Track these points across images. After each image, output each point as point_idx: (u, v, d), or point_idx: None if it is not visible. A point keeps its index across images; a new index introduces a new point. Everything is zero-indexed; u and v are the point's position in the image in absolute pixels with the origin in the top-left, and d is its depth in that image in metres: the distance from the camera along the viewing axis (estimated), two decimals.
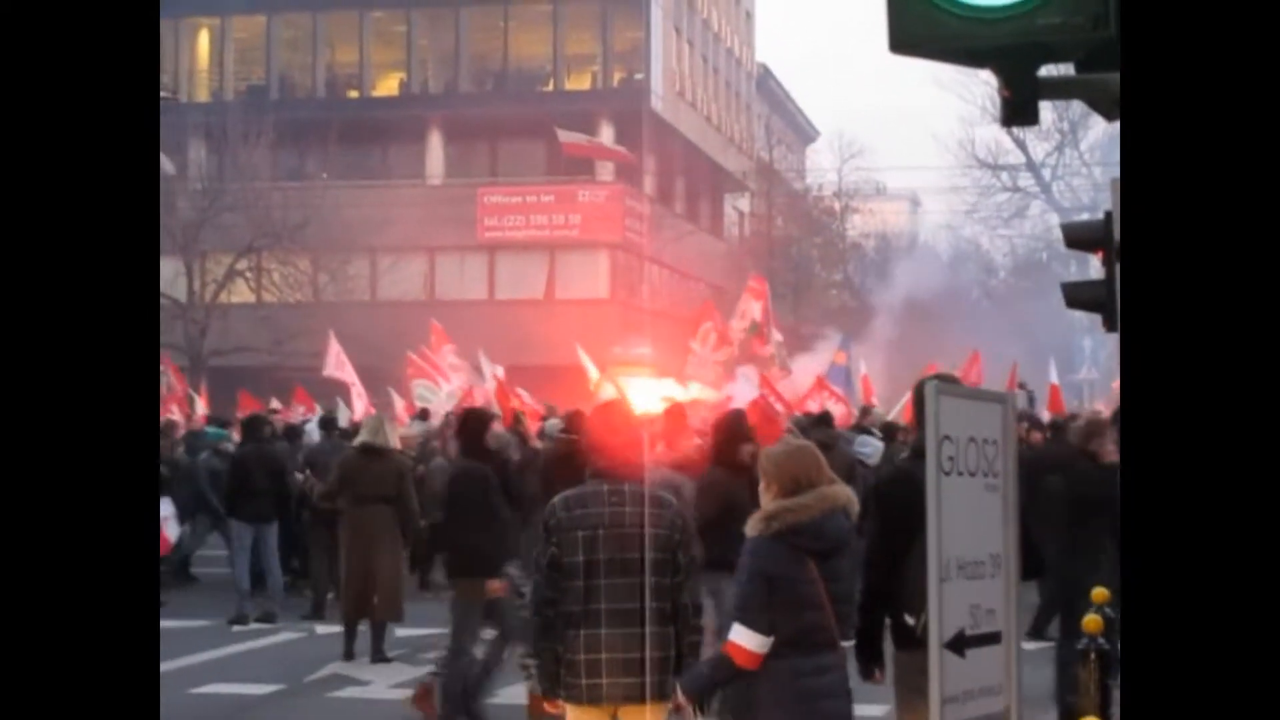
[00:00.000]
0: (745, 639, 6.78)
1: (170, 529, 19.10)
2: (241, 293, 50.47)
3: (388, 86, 56.99)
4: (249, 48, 57.07)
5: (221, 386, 38.80)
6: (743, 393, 23.86)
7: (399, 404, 27.08)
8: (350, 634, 15.39)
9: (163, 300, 49.22)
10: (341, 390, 28.87)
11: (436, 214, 50.72)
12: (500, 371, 27.18)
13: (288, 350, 43.20)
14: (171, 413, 25.72)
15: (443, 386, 27.30)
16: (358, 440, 16.26)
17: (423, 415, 24.58)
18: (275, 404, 28.81)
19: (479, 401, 22.91)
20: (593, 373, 26.62)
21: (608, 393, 22.85)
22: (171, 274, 49.26)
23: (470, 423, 12.61)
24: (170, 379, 29.59)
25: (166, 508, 18.64)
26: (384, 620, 15.36)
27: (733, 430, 12.05)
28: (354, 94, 56.57)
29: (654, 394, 24.46)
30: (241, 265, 49.25)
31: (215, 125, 49.50)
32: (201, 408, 30.90)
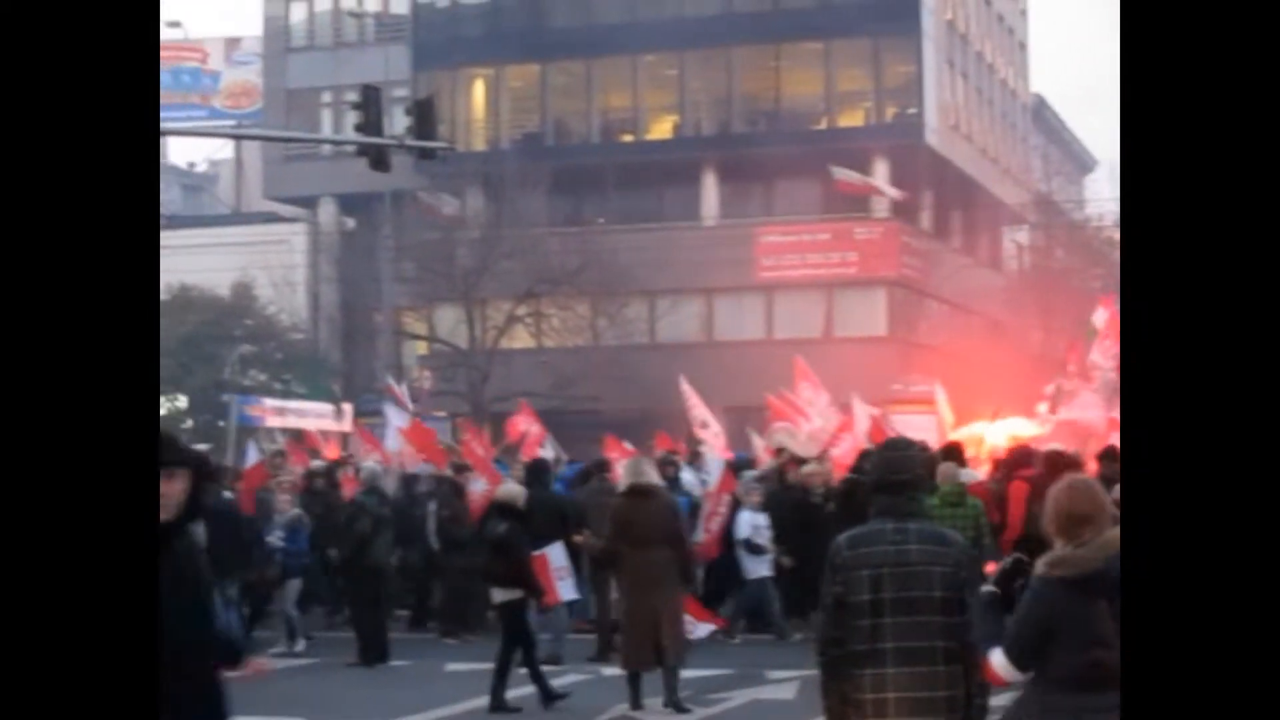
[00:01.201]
0: (1004, 671, 6.72)
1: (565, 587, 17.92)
2: (521, 338, 51.13)
3: (661, 129, 57.31)
4: (524, 96, 57.88)
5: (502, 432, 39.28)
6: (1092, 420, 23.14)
7: (759, 446, 25.51)
8: (635, 679, 15.20)
9: (444, 348, 50.26)
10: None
11: (713, 255, 50.79)
12: (875, 411, 26.29)
13: (568, 395, 43.63)
14: (543, 452, 25.29)
15: (804, 427, 26.17)
16: (622, 484, 16.14)
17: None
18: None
19: (850, 444, 22.26)
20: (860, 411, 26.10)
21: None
22: (453, 321, 50.24)
23: None
24: (531, 424, 29.33)
25: (559, 558, 17.64)
26: (675, 664, 15.11)
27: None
28: (628, 138, 56.99)
29: (1000, 433, 24.16)
30: (521, 311, 49.91)
31: (492, 173, 50.25)
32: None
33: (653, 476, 15.74)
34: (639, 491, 15.15)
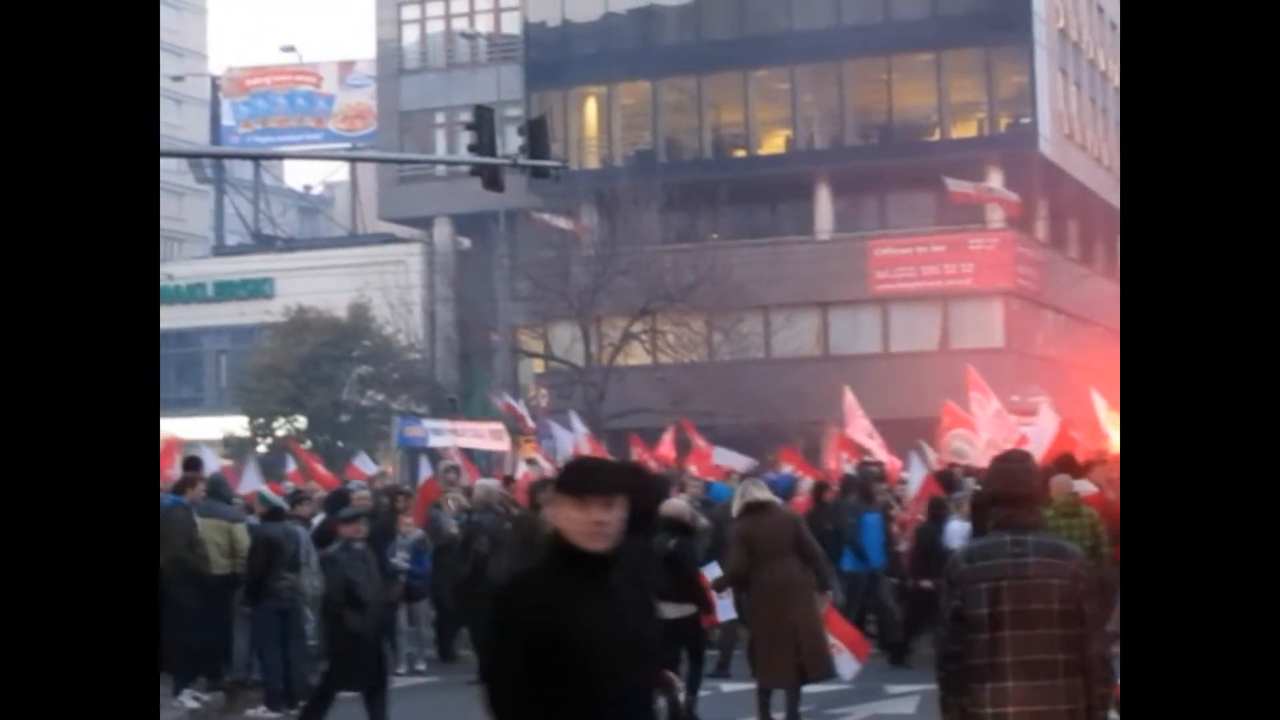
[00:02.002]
0: None
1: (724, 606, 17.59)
2: (637, 355, 51.21)
3: (774, 144, 57.24)
4: (636, 113, 58.02)
5: (620, 449, 39.34)
6: None
7: (931, 457, 24.70)
8: (766, 694, 15.11)
9: (561, 365, 50.43)
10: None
11: (827, 269, 50.67)
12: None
13: (685, 410, 43.64)
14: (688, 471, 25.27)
15: (981, 436, 25.47)
16: (737, 505, 16.11)
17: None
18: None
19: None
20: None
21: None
22: (569, 339, 50.43)
23: None
24: (690, 439, 29.20)
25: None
26: (815, 679, 15.03)
27: None
28: (741, 153, 56.98)
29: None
30: (637, 328, 49.99)
31: (606, 191, 50.40)
32: None
33: (766, 492, 15.75)
34: (756, 508, 15.17)
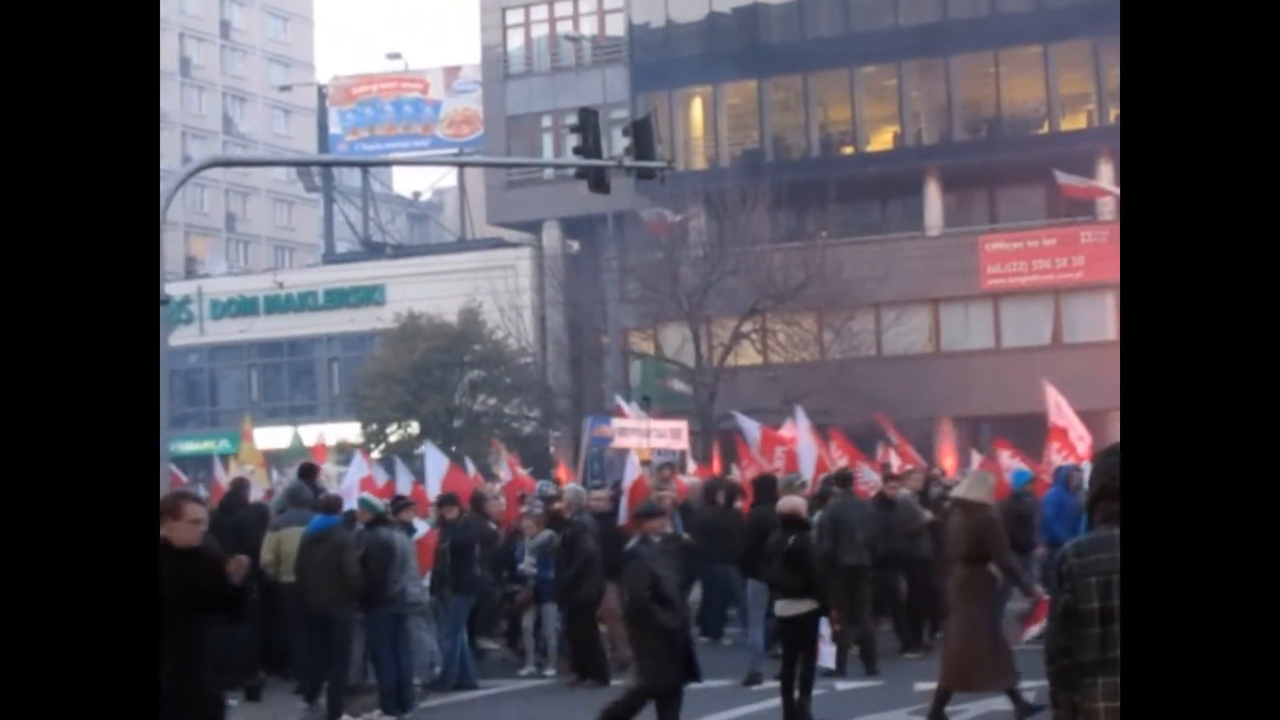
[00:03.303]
0: None
1: None
2: (748, 355, 51.14)
3: (882, 141, 56.98)
4: (742, 113, 57.93)
5: (731, 449, 39.30)
6: None
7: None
8: (941, 699, 14.93)
9: (673, 366, 50.45)
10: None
11: (938, 265, 50.39)
12: None
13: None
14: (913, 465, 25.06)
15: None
16: (953, 494, 16.15)
17: None
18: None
19: None
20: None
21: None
22: (679, 340, 50.42)
23: None
24: (892, 438, 28.89)
25: None
26: (998, 689, 14.89)
27: None
28: (848, 150, 56.75)
29: None
30: (747, 327, 49.91)
31: (713, 191, 50.34)
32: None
33: (983, 494, 15.59)
34: (963, 505, 15.22)
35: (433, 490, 24.57)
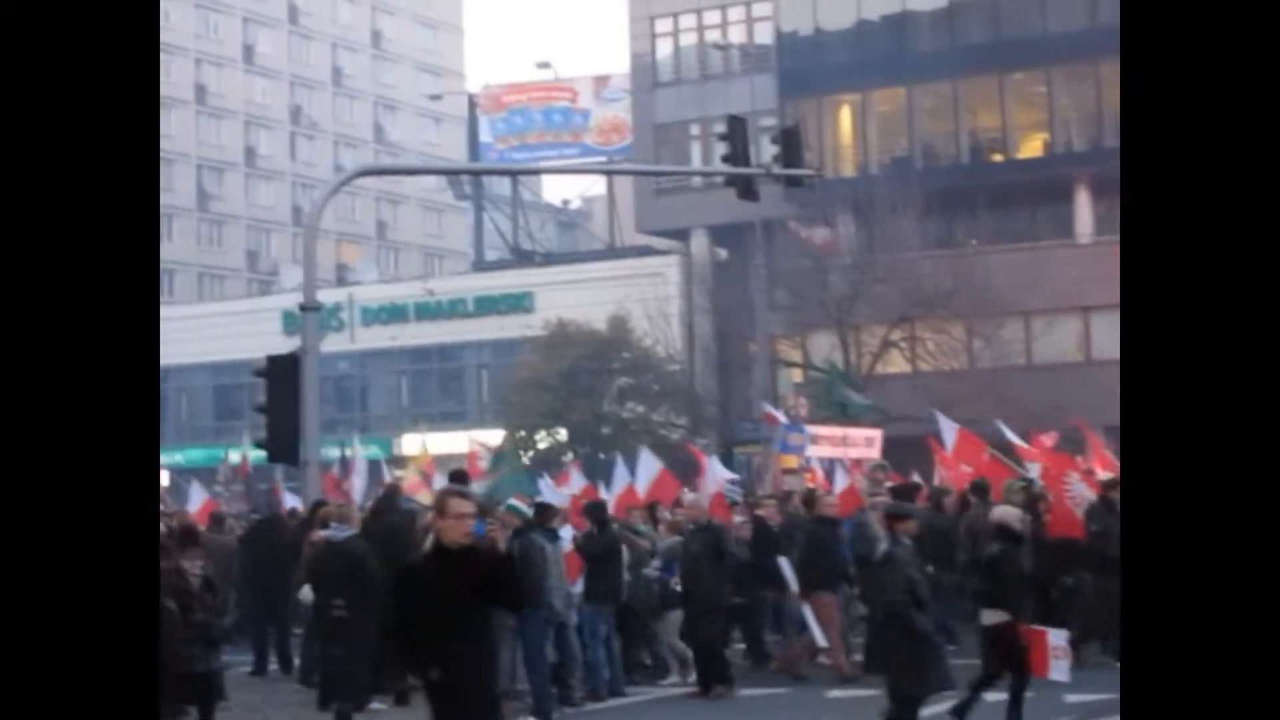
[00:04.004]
0: None
1: None
2: (897, 363, 50.90)
3: (1032, 148, 56.45)
4: (891, 119, 57.70)
5: (901, 455, 39.14)
6: None
7: None
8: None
9: (820, 374, 50.25)
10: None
11: (1089, 272, 49.73)
12: None
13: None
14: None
15: None
16: None
17: None
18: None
19: None
20: None
21: None
22: (827, 348, 50.26)
23: None
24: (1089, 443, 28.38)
25: None
26: None
27: None
28: (998, 157, 56.31)
29: None
30: (895, 335, 49.69)
31: (862, 199, 50.17)
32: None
33: None
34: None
35: (643, 493, 24.42)
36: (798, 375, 53.93)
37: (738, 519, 21.89)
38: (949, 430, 27.64)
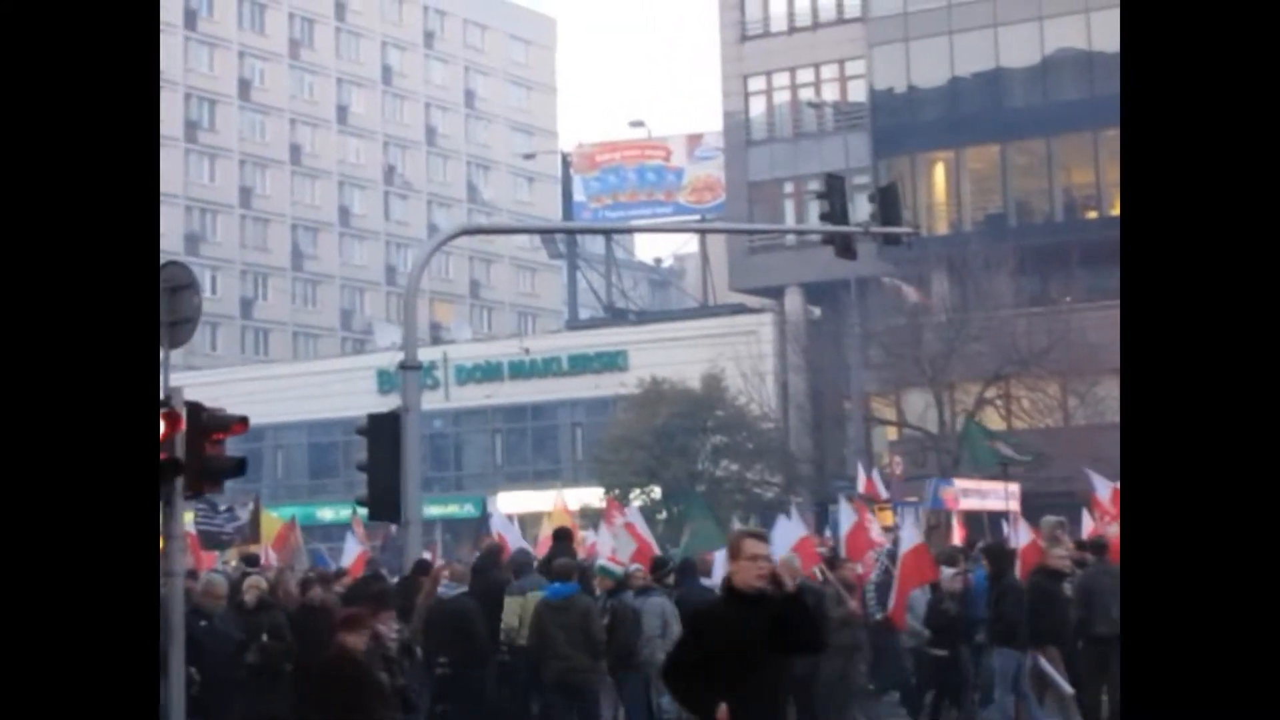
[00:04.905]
0: None
1: None
2: (992, 420, 50.57)
3: None
4: (984, 177, 57.59)
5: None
6: None
7: None
8: None
9: (915, 432, 50.14)
10: None
11: None
12: None
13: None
14: None
15: None
16: None
17: None
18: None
19: None
20: None
21: None
22: (922, 405, 50.08)
23: None
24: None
25: None
26: None
27: None
28: (1092, 214, 56.02)
29: None
30: (990, 393, 49.46)
31: (956, 256, 50.07)
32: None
33: None
34: None
35: (842, 544, 24.20)
36: (892, 433, 53.79)
37: (948, 572, 21.27)
38: (1103, 486, 27.64)
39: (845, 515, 24.23)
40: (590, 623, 16.77)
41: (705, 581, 21.08)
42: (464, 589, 17.36)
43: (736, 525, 26.77)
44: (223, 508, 29.74)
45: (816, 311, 59.95)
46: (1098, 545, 20.67)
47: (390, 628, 15.10)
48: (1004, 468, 31.77)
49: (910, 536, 21.51)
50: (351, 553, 30.17)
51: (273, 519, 33.97)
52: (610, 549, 24.38)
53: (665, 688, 11.52)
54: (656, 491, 52.72)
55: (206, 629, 14.09)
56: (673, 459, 51.99)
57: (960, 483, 29.79)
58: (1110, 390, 49.93)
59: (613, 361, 61.99)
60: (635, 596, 17.91)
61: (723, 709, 8.12)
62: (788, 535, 23.70)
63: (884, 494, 33.51)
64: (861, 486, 32.51)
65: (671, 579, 19.01)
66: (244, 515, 29.61)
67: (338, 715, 13.59)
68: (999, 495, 29.78)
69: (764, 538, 9.05)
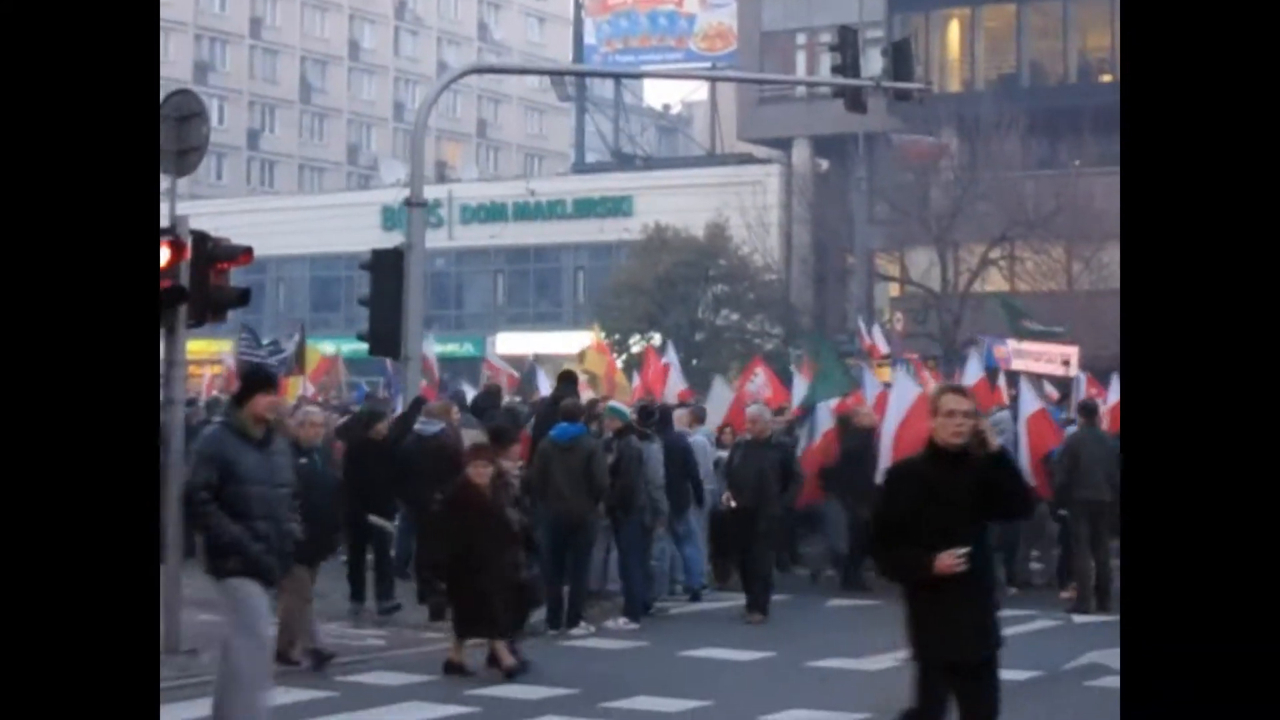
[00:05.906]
0: None
1: None
2: (995, 282, 50.63)
3: None
4: (999, 37, 57.12)
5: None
6: None
7: None
8: None
9: (917, 290, 50.18)
10: None
11: None
12: None
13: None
14: None
15: None
16: None
17: None
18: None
19: None
20: None
21: None
22: (925, 264, 50.08)
23: None
24: None
25: None
26: None
27: None
28: (1107, 79, 55.62)
29: None
30: (995, 254, 49.42)
31: (967, 115, 49.76)
32: None
33: None
34: None
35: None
36: (895, 290, 53.82)
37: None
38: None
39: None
40: (594, 464, 16.79)
41: (701, 433, 21.32)
42: (442, 425, 17.49)
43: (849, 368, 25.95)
44: (266, 340, 29.43)
45: (824, 165, 59.76)
46: (1088, 408, 20.64)
47: (515, 464, 15.07)
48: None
49: (1029, 402, 21.18)
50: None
51: (314, 351, 33.70)
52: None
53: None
54: (656, 338, 52.84)
55: (306, 467, 13.24)
56: (674, 306, 52.05)
57: (1014, 343, 29.66)
58: (1114, 256, 49.91)
59: (618, 207, 61.85)
60: (639, 441, 17.99)
61: (947, 555, 7.97)
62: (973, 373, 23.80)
63: (884, 349, 33.62)
64: (864, 341, 32.61)
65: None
66: (289, 347, 29.31)
67: (462, 550, 13.66)
68: (1052, 359, 29.69)
69: (964, 392, 8.65)
